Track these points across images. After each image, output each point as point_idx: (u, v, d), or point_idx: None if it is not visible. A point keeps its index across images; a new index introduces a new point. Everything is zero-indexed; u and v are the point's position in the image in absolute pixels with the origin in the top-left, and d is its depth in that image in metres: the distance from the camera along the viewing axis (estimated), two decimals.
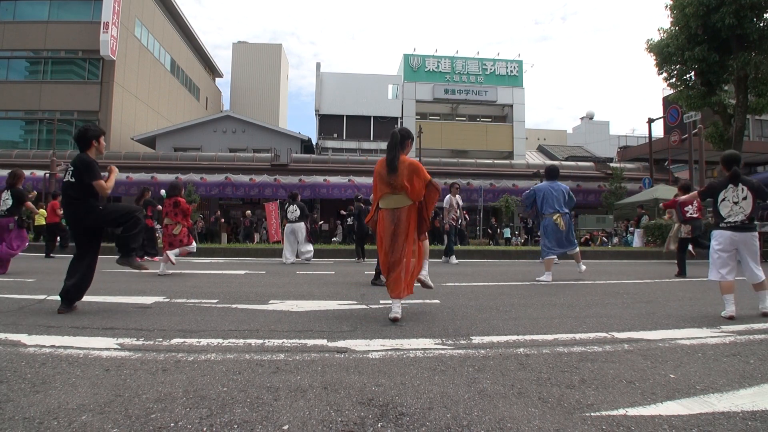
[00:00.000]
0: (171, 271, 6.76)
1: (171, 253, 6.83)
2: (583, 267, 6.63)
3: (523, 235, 21.59)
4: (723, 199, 3.94)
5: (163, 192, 10.96)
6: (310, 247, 9.82)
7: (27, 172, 20.30)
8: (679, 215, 7.49)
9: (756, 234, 3.93)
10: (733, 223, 3.87)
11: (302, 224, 9.57)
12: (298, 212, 9.54)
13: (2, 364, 2.21)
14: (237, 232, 19.87)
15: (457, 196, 9.89)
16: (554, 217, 6.49)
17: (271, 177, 21.43)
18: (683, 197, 6.08)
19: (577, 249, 6.78)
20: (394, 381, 2.04)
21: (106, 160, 21.31)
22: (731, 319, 3.63)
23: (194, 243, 7.25)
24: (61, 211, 9.89)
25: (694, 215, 7.25)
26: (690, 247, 7.90)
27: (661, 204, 7.75)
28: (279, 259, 9.86)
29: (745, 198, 3.85)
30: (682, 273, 7.16)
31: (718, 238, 3.93)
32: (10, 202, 6.76)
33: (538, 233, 7.08)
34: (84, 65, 25.22)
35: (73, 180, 3.79)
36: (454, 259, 9.73)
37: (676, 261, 7.45)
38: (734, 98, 14.22)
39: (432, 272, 7.20)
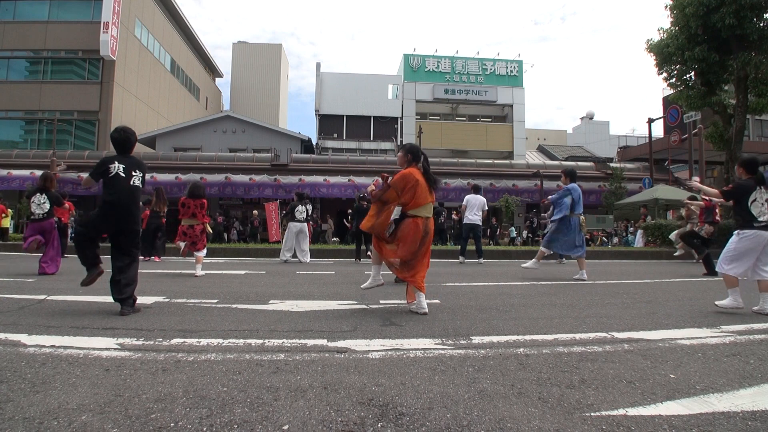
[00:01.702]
0: (178, 271, 6.75)
1: (198, 267, 6.68)
2: (585, 276, 6.39)
3: (527, 234, 21.54)
4: (754, 200, 4.11)
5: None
6: (308, 256, 9.88)
7: (26, 172, 20.38)
8: (709, 217, 7.67)
9: None
10: (765, 223, 4.05)
11: (306, 225, 9.68)
12: (305, 213, 9.66)
13: (2, 364, 2.21)
14: (240, 231, 19.86)
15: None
16: (582, 218, 6.83)
17: (271, 177, 21.42)
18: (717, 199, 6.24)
19: (583, 254, 6.64)
20: (394, 381, 2.04)
21: None
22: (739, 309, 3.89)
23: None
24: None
25: (718, 218, 7.55)
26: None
27: (700, 204, 7.95)
28: (279, 259, 9.85)
29: (767, 200, 4.09)
30: (711, 272, 7.27)
31: (754, 237, 4.05)
32: (47, 205, 6.81)
33: (544, 231, 7.24)
34: (84, 65, 25.21)
35: (141, 186, 3.80)
36: (463, 260, 9.72)
37: (702, 263, 7.58)
38: (734, 98, 14.22)
39: (432, 272, 7.22)
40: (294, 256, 9.71)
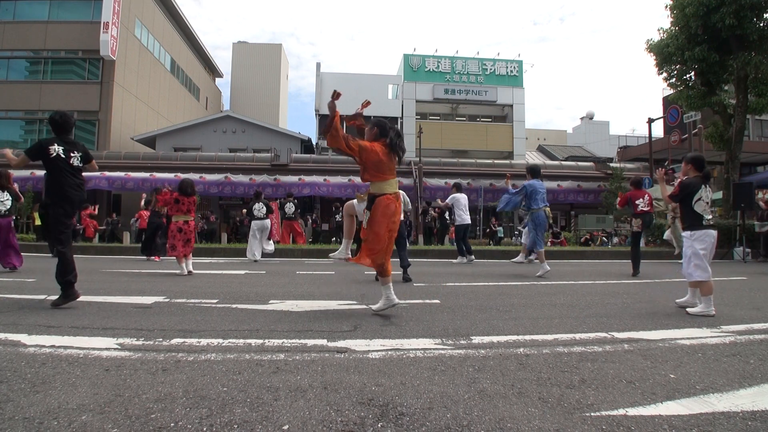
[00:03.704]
0: (178, 271, 6.74)
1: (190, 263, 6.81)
2: (548, 267, 6.78)
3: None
4: (699, 199, 4.09)
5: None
6: (272, 246, 9.89)
7: (27, 173, 20.34)
8: (630, 209, 7.50)
9: None
10: (710, 222, 4.07)
11: (269, 221, 9.72)
12: (264, 209, 9.69)
13: (2, 364, 2.21)
14: (237, 231, 19.91)
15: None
16: (546, 209, 7.01)
17: (271, 177, 21.42)
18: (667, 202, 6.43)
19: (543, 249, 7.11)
20: (394, 381, 2.04)
21: (107, 160, 21.35)
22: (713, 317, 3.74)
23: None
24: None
25: (645, 209, 7.29)
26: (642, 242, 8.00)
27: (617, 203, 7.93)
28: (280, 259, 9.87)
29: (711, 199, 4.12)
30: (636, 272, 7.09)
31: (706, 238, 4.02)
32: (9, 202, 6.88)
33: (521, 227, 7.58)
34: (84, 65, 25.18)
35: (82, 165, 4.00)
36: (463, 259, 9.72)
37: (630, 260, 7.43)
38: (734, 98, 14.22)
39: (432, 272, 7.23)
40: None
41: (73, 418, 1.61)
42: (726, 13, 12.37)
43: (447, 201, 9.66)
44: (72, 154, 3.94)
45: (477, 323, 3.33)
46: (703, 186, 4.10)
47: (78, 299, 3.84)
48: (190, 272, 6.58)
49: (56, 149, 3.86)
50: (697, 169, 4.17)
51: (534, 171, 7.26)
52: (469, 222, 9.69)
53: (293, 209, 12.19)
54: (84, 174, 4.12)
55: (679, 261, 10.37)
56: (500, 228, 21.55)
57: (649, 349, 2.69)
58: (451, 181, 21.81)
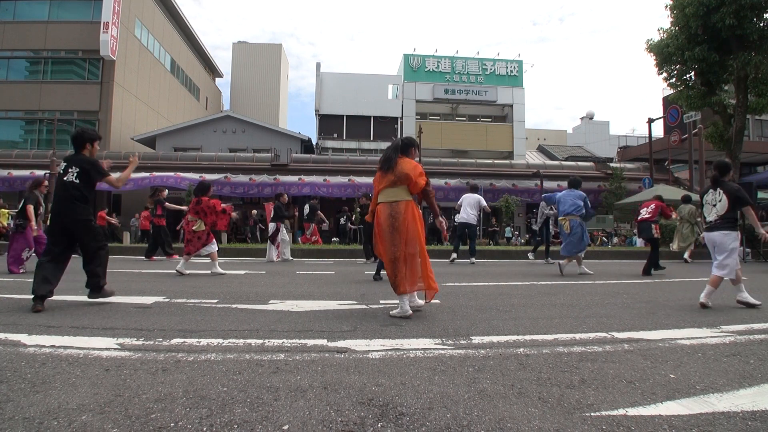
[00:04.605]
0: (189, 271, 6.75)
1: (186, 264, 6.83)
2: (585, 269, 7.11)
3: (525, 236, 21.57)
4: (705, 203, 4.40)
5: (166, 192, 11.19)
6: (287, 252, 9.95)
7: (27, 172, 20.36)
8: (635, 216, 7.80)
9: (725, 232, 4.23)
10: (709, 224, 4.32)
11: (272, 225, 9.82)
12: (272, 213, 9.90)
13: (2, 364, 2.21)
14: (238, 231, 19.93)
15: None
16: (560, 219, 7.30)
17: (271, 177, 21.42)
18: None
19: (581, 254, 7.27)
20: (394, 381, 2.04)
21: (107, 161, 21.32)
22: (703, 307, 4.11)
23: (215, 243, 7.18)
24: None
25: (644, 217, 7.40)
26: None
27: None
28: (279, 259, 9.88)
29: (720, 201, 4.26)
30: (646, 272, 7.35)
31: (705, 238, 4.45)
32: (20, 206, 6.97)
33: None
34: (84, 65, 25.21)
35: (77, 181, 3.93)
36: (454, 255, 9.73)
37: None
38: (734, 98, 14.23)
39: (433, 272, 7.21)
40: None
41: (73, 418, 1.61)
42: (726, 13, 12.39)
43: (459, 202, 9.78)
44: (69, 170, 3.97)
45: (477, 323, 3.33)
46: (710, 190, 4.34)
47: (38, 313, 3.57)
48: (179, 272, 6.64)
49: (61, 166, 4.03)
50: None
51: (571, 183, 7.58)
52: (472, 222, 9.63)
53: (307, 212, 12.33)
54: (105, 182, 4.19)
55: (679, 261, 10.45)
56: (508, 228, 21.50)
57: (649, 349, 2.69)
58: (452, 182, 21.91)
